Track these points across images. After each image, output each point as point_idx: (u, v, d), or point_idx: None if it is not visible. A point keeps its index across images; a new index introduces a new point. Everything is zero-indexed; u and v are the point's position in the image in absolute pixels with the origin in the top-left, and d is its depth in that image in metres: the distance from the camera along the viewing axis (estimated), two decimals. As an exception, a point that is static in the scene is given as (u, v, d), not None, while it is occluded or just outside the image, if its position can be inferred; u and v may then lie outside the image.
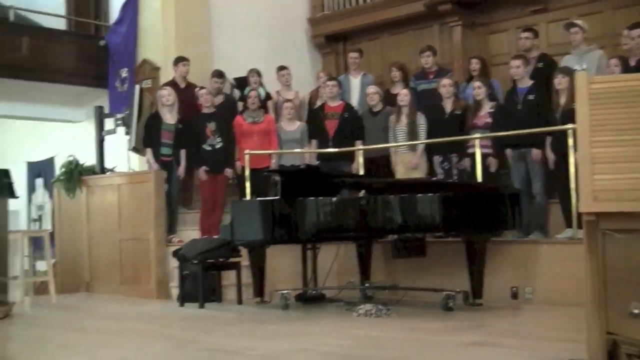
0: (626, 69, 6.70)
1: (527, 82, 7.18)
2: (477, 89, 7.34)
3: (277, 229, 6.31)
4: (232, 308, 6.87)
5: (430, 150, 7.64)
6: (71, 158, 8.98)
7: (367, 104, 8.24)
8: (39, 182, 12.60)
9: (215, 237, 7.39)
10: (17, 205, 10.65)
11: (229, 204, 7.49)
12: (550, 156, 6.83)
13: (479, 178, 6.90)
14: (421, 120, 7.64)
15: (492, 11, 9.65)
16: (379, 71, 9.88)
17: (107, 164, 8.99)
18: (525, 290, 6.43)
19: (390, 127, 7.79)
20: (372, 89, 8.17)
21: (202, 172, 8.17)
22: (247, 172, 7.73)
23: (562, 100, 6.73)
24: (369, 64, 10.00)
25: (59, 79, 10.10)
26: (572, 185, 6.25)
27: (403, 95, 7.72)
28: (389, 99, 8.15)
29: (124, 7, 9.98)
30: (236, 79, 9.34)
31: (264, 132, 8.17)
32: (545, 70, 7.49)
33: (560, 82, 6.75)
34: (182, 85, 8.77)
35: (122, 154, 8.95)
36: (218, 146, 8.18)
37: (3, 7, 10.64)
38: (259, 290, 6.86)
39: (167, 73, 9.14)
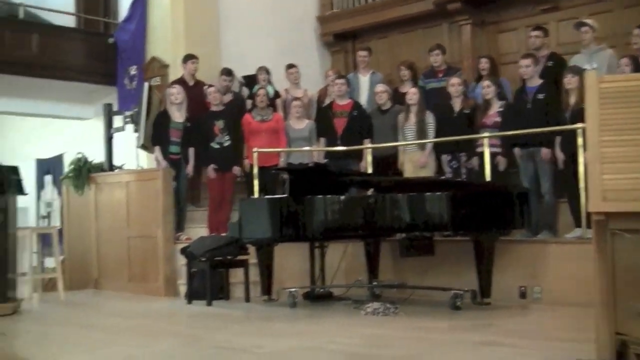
0: (637, 68, 6.67)
1: (537, 81, 7.14)
2: (487, 88, 7.32)
3: (285, 227, 6.31)
4: (240, 306, 6.87)
5: (438, 149, 7.61)
6: (80, 155, 9.00)
7: (375, 102, 8.22)
8: (48, 179, 12.62)
9: (223, 234, 7.40)
10: (26, 202, 10.67)
11: (237, 202, 7.51)
12: (560, 155, 6.80)
13: (488, 177, 6.88)
14: (430, 119, 7.62)
15: (502, 10, 9.61)
16: (387, 70, 9.83)
17: (116, 162, 9.02)
18: (533, 289, 6.41)
19: (398, 126, 7.78)
20: (380, 87, 8.16)
21: (210, 170, 8.17)
22: (256, 170, 7.72)
23: (572, 99, 6.70)
24: (378, 63, 9.97)
25: (68, 77, 10.15)
26: (582, 184, 6.22)
27: (412, 93, 7.70)
28: (398, 98, 8.13)
29: (133, 4, 9.99)
30: (245, 77, 9.33)
31: (273, 130, 8.16)
32: (555, 69, 7.45)
33: (570, 81, 6.72)
34: (191, 83, 8.78)
35: (131, 151, 8.95)
36: (226, 144, 8.18)
37: (13, 5, 10.69)
38: (267, 288, 6.86)
39: (176, 71, 9.14)
